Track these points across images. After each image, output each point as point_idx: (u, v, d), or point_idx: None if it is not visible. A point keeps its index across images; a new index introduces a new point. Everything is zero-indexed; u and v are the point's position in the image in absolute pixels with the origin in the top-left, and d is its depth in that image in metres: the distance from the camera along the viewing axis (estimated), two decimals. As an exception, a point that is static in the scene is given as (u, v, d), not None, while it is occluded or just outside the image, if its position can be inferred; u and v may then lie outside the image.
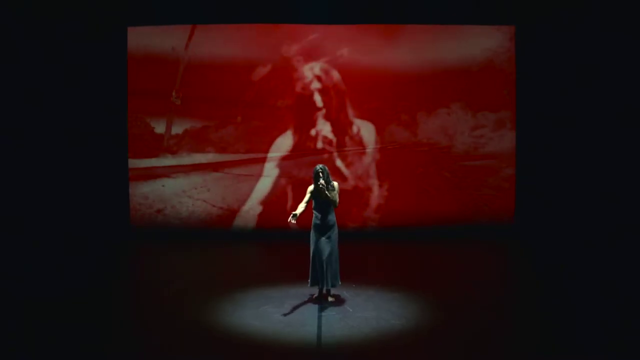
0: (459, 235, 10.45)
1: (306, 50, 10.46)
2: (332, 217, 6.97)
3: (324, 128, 10.53)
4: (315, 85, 10.48)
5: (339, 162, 10.51)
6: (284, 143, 10.54)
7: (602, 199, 10.18)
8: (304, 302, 6.98)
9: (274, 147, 10.53)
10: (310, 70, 10.47)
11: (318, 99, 10.49)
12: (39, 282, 7.93)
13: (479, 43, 10.49)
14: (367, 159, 10.59)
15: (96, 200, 10.31)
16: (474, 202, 10.61)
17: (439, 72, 10.51)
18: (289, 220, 6.76)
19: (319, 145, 10.53)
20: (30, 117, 10.14)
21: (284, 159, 10.54)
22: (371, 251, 9.81)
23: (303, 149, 10.52)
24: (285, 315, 6.57)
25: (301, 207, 6.91)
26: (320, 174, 6.84)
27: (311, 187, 6.97)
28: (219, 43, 10.40)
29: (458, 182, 10.60)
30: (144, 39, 10.30)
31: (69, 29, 10.07)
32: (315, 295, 7.09)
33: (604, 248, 9.45)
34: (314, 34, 10.45)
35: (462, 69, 10.52)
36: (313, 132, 10.53)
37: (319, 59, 10.47)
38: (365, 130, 10.58)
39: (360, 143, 10.59)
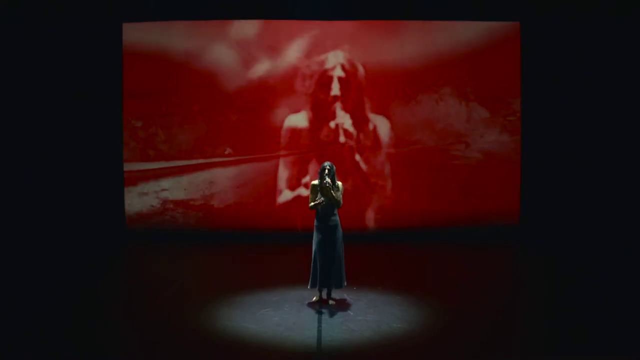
0: (463, 236, 10.38)
1: (306, 46, 10.36)
2: (336, 217, 6.85)
3: (342, 121, 10.43)
4: (338, 73, 10.37)
5: (357, 157, 10.42)
6: (297, 121, 10.47)
7: (607, 199, 10.12)
8: (304, 305, 6.89)
9: (285, 125, 10.46)
10: (335, 57, 10.38)
11: (336, 87, 10.38)
12: (35, 284, 7.86)
13: (484, 39, 10.41)
14: (380, 157, 10.49)
15: (92, 202, 10.23)
16: (478, 203, 10.51)
17: (443, 70, 10.43)
18: (317, 203, 6.72)
19: (325, 134, 10.47)
20: (26, 117, 10.07)
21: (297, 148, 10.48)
22: (373, 253, 9.73)
23: (317, 137, 10.45)
24: (284, 318, 6.47)
25: (315, 206, 6.80)
26: (327, 171, 6.72)
27: (315, 182, 6.84)
28: (217, 40, 10.31)
29: (462, 182, 10.50)
30: (140, 35, 10.23)
31: (62, 27, 9.99)
32: (316, 299, 6.98)
33: (609, 248, 9.41)
34: (315, 30, 10.38)
35: (466, 67, 10.45)
36: (332, 124, 10.43)
37: (319, 55, 10.38)
38: (381, 125, 10.46)
39: (375, 139, 10.47)
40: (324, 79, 10.43)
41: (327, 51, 10.41)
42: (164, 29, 10.26)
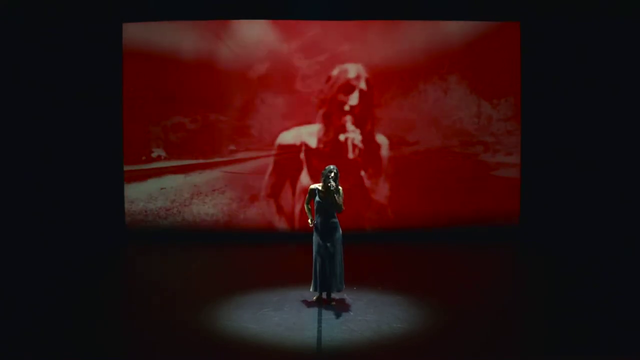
0: (463, 236, 10.37)
1: (306, 46, 10.36)
2: (335, 219, 6.85)
3: (353, 136, 10.42)
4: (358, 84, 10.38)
5: (362, 173, 10.43)
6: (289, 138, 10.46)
7: (607, 199, 10.11)
8: (304, 306, 6.89)
9: (279, 139, 10.45)
10: (355, 68, 10.36)
11: (355, 97, 10.36)
12: (35, 284, 7.85)
13: (484, 39, 10.40)
14: (382, 177, 10.51)
15: (92, 202, 10.23)
16: (478, 203, 10.50)
17: (444, 71, 10.42)
18: (310, 226, 6.89)
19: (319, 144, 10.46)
20: (26, 117, 10.06)
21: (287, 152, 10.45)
22: (373, 254, 9.72)
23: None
24: (284, 318, 6.47)
25: (308, 210, 6.93)
26: (334, 174, 6.71)
27: (314, 186, 6.85)
28: (217, 40, 10.30)
29: (461, 182, 10.49)
30: (140, 35, 10.21)
31: (62, 27, 9.98)
32: (316, 298, 6.98)
33: (609, 248, 9.40)
34: (314, 30, 10.36)
35: (465, 67, 10.43)
36: (342, 137, 10.42)
37: (318, 55, 10.37)
38: (383, 144, 10.47)
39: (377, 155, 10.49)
40: (338, 90, 10.41)
41: (327, 52, 10.38)
42: (164, 29, 10.24)
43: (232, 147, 10.37)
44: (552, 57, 10.30)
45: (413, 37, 10.40)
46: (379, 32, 10.39)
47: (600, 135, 10.23)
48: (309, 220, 6.91)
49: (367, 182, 10.43)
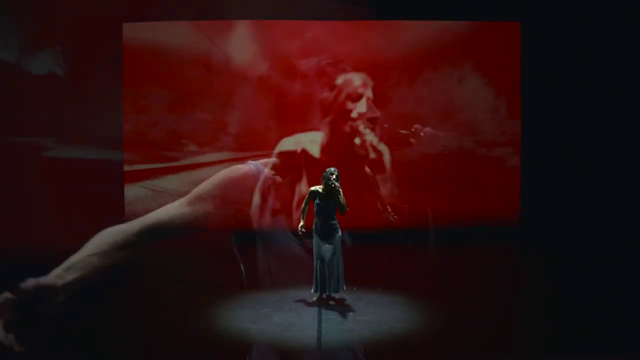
0: (463, 236, 10.36)
1: (305, 47, 10.36)
2: (334, 221, 6.87)
3: (370, 138, 10.42)
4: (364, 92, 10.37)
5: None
6: (288, 143, 10.46)
7: (607, 199, 10.11)
8: (304, 306, 6.88)
9: (280, 145, 10.45)
10: (360, 78, 10.36)
11: (362, 104, 10.36)
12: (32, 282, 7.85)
13: (484, 39, 10.40)
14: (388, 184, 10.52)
15: (91, 202, 10.21)
16: (478, 203, 10.50)
17: (442, 71, 10.42)
18: (299, 232, 6.87)
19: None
20: (23, 117, 10.07)
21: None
22: (373, 253, 9.71)
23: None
24: (284, 318, 6.47)
25: (304, 212, 6.91)
26: (336, 176, 6.73)
27: (315, 188, 6.86)
28: (217, 40, 10.31)
29: (461, 182, 10.50)
30: (140, 34, 10.21)
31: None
32: (316, 299, 6.98)
33: (609, 248, 9.40)
34: (313, 30, 10.36)
35: (467, 68, 10.43)
36: (357, 140, 10.42)
37: (318, 55, 10.36)
38: (385, 152, 10.49)
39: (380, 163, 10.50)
40: (345, 98, 10.41)
41: (326, 52, 10.38)
42: (164, 28, 10.25)
43: (203, 150, 10.36)
44: (552, 57, 10.31)
45: (412, 37, 10.40)
46: (377, 33, 10.38)
47: (601, 135, 10.23)
48: (300, 226, 6.90)
49: (380, 185, 10.42)
